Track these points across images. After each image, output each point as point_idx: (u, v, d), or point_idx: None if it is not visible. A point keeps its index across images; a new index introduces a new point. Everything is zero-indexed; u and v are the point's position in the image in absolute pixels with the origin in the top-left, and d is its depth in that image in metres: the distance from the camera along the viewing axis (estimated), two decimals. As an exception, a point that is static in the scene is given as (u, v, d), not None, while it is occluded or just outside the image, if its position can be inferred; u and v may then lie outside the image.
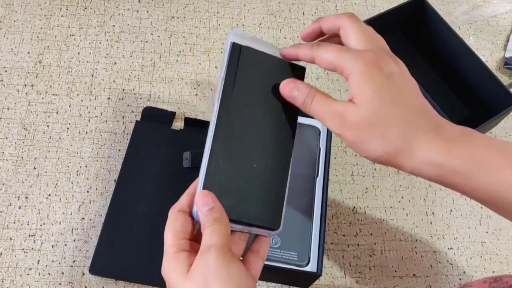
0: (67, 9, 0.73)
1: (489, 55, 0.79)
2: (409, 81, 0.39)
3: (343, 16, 0.41)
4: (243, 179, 0.39)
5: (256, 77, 0.40)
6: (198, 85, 0.69)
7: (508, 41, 0.80)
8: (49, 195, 0.59)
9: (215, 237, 0.37)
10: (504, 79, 0.76)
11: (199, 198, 0.38)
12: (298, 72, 0.42)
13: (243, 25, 0.75)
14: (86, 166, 0.62)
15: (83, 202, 0.59)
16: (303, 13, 0.78)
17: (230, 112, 0.38)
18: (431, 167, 0.36)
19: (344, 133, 0.38)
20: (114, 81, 0.68)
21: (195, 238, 0.41)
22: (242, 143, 0.39)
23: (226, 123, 0.38)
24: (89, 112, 0.65)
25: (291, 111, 0.41)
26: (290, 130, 0.41)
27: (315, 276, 0.54)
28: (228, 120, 0.38)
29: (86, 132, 0.64)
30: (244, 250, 0.42)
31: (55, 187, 0.60)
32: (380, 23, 0.70)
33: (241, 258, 0.41)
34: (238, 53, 0.39)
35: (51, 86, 0.66)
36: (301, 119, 0.62)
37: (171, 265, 0.38)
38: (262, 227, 0.40)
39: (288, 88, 0.40)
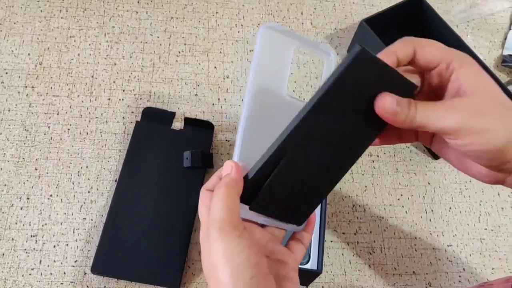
0: (67, 11, 0.73)
1: (487, 53, 0.79)
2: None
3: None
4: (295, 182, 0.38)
5: (361, 85, 0.37)
6: (198, 85, 0.69)
7: (505, 39, 0.80)
8: (51, 195, 0.60)
9: (218, 211, 0.36)
10: (502, 77, 0.76)
11: (224, 165, 0.38)
12: (407, 89, 0.38)
13: (241, 25, 0.76)
14: (87, 167, 0.62)
15: (84, 202, 0.60)
16: (302, 13, 0.79)
17: (319, 115, 0.35)
18: None
19: (464, 127, 0.35)
20: (114, 82, 0.68)
21: None
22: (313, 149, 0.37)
23: (308, 126, 0.35)
24: (89, 113, 0.65)
25: (373, 130, 0.38)
26: (359, 148, 0.39)
27: (315, 273, 0.55)
28: (310, 124, 0.35)
29: (87, 133, 0.64)
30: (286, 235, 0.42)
31: (56, 187, 0.60)
32: (378, 22, 0.71)
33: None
34: (356, 57, 0.35)
35: (51, 88, 0.67)
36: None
37: (232, 252, 0.36)
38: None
39: (389, 102, 0.37)
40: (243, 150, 0.38)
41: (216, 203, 0.36)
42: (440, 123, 0.36)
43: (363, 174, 0.66)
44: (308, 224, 0.44)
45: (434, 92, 0.40)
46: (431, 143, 0.42)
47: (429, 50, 0.38)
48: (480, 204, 0.65)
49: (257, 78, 0.38)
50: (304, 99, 0.44)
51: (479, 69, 0.37)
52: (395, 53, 0.38)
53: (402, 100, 0.37)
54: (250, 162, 0.37)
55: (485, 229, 0.64)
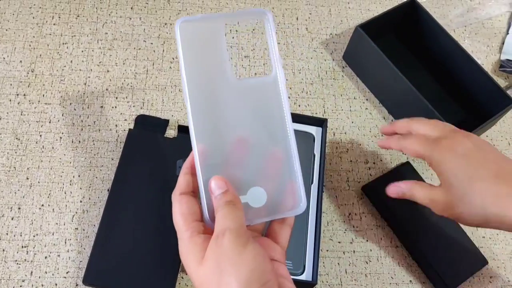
0: (59, 17, 0.73)
1: (484, 58, 0.78)
2: (485, 150, 0.48)
3: (411, 121, 0.53)
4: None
5: None
6: (192, 92, 0.69)
7: (503, 43, 0.80)
8: (42, 205, 0.59)
9: (229, 220, 0.36)
10: (500, 82, 0.76)
11: (213, 182, 0.38)
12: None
13: (236, 31, 0.75)
14: (79, 176, 0.61)
15: (76, 212, 0.59)
16: (297, 18, 0.78)
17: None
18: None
19: (442, 214, 0.48)
20: (107, 89, 0.67)
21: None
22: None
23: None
24: (82, 121, 0.65)
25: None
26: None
27: (310, 284, 0.54)
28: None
29: (79, 141, 0.63)
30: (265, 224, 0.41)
31: (48, 197, 0.59)
32: (375, 27, 0.70)
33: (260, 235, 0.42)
34: None
35: (43, 95, 0.66)
36: (294, 126, 0.62)
37: (187, 250, 0.37)
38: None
39: (396, 190, 0.52)
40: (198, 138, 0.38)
41: (227, 215, 0.36)
42: (427, 200, 0.49)
43: (359, 182, 0.65)
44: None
45: None
46: None
47: (412, 148, 0.50)
48: (478, 212, 0.64)
49: (191, 78, 0.38)
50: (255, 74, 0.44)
51: (447, 164, 0.47)
52: (388, 145, 0.55)
53: (405, 186, 0.51)
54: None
55: (483, 237, 0.63)
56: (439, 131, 0.50)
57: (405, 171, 0.65)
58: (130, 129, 0.63)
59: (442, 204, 0.47)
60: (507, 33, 0.81)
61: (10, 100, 0.65)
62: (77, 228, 0.58)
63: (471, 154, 0.47)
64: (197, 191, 0.39)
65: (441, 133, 0.50)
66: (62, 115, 0.65)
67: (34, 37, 0.71)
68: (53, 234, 0.58)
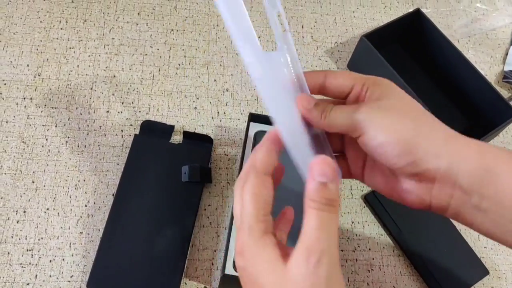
0: (66, 22, 0.73)
1: (488, 69, 0.79)
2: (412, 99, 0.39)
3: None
4: None
5: None
6: (197, 98, 0.69)
7: (507, 54, 0.80)
8: (47, 209, 0.59)
9: (325, 237, 0.31)
10: (503, 93, 0.76)
11: (318, 161, 0.32)
12: None
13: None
14: (84, 180, 0.62)
15: (81, 216, 0.59)
16: (302, 26, 0.78)
17: None
18: (441, 160, 0.34)
19: (374, 116, 0.35)
20: (113, 94, 0.68)
21: None
22: None
23: None
24: (88, 125, 0.65)
25: None
26: None
27: (313, 292, 0.54)
28: None
29: (85, 146, 0.64)
30: None
31: (53, 201, 0.60)
32: (380, 36, 0.71)
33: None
34: None
35: (50, 99, 0.66)
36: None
37: (257, 251, 0.32)
38: None
39: (306, 102, 0.37)
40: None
41: (327, 227, 0.32)
42: (349, 118, 0.36)
43: (362, 190, 0.65)
44: (284, 214, 0.42)
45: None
46: (363, 177, 0.42)
47: (340, 75, 0.39)
48: (480, 222, 0.65)
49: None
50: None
51: (395, 86, 0.38)
52: (305, 76, 0.39)
53: (320, 102, 0.38)
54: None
55: (485, 247, 0.63)
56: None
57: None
58: (135, 135, 0.63)
59: (383, 105, 0.36)
60: (511, 44, 0.81)
61: (16, 104, 0.65)
62: (81, 232, 0.59)
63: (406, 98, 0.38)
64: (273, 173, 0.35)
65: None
66: (68, 119, 0.65)
67: (41, 41, 0.71)
68: (58, 238, 0.58)
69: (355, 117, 0.36)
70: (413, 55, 0.78)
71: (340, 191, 0.65)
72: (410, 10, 0.75)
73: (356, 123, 0.36)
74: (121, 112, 0.67)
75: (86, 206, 0.60)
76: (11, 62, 0.69)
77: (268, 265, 0.32)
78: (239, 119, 0.68)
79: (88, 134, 0.65)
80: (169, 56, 0.72)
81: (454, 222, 0.63)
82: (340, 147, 0.42)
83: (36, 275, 0.56)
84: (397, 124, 0.35)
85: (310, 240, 0.31)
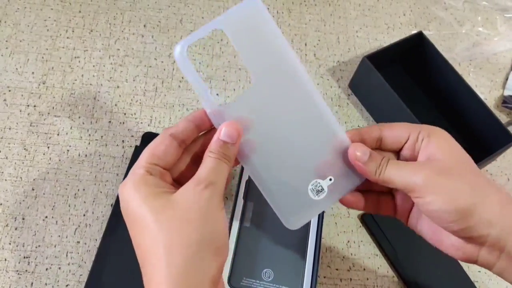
0: (73, 31, 0.74)
1: (488, 93, 0.80)
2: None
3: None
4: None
5: None
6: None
7: (507, 79, 0.81)
8: (46, 217, 0.60)
9: (215, 174, 0.36)
10: (502, 118, 0.77)
11: (227, 124, 0.37)
12: None
13: (246, 53, 0.76)
14: (83, 189, 0.62)
15: (79, 226, 0.60)
16: (306, 44, 0.79)
17: None
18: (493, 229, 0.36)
19: (432, 180, 0.36)
20: (116, 105, 0.69)
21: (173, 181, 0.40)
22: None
23: None
24: (89, 135, 0.66)
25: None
26: None
27: (306, 311, 0.55)
28: None
29: (86, 155, 0.64)
30: None
31: (52, 209, 0.60)
32: (381, 57, 0.71)
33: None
34: None
35: (53, 108, 0.67)
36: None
37: (134, 186, 0.36)
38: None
39: (361, 152, 0.39)
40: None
41: (219, 169, 0.36)
42: (407, 179, 0.37)
43: (359, 210, 0.66)
44: None
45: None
46: (407, 219, 0.43)
47: (396, 127, 0.41)
48: (474, 246, 0.65)
49: None
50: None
51: (449, 137, 0.40)
52: (361, 133, 0.41)
53: (374, 153, 0.39)
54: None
55: (479, 271, 0.63)
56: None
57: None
58: (136, 146, 0.64)
59: (440, 168, 0.37)
60: (511, 69, 0.82)
61: (20, 111, 0.66)
62: (79, 242, 0.59)
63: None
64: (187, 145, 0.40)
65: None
66: (71, 128, 0.66)
67: (47, 49, 0.72)
68: (55, 246, 0.58)
69: (413, 179, 0.37)
70: (414, 76, 0.78)
71: (337, 210, 0.65)
72: (413, 32, 0.76)
73: (414, 185, 0.37)
74: (123, 123, 0.67)
75: (84, 215, 0.61)
76: (16, 69, 0.69)
77: (150, 196, 0.35)
78: (239, 134, 0.69)
79: (89, 143, 0.65)
80: (173, 69, 0.73)
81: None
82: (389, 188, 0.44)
83: (32, 283, 0.56)
84: (455, 192, 0.36)
85: (201, 175, 0.36)
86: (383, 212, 0.45)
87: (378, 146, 0.42)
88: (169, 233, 0.34)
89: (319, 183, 0.42)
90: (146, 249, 0.36)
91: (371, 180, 0.40)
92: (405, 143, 0.40)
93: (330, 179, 0.42)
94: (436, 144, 0.38)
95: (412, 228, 0.43)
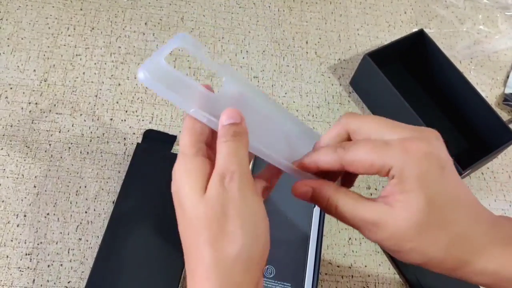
0: (74, 29, 0.74)
1: (489, 91, 0.80)
2: (455, 171, 0.34)
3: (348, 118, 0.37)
4: None
5: None
6: (200, 109, 0.70)
7: (508, 77, 0.81)
8: (48, 214, 0.60)
9: (236, 160, 0.34)
10: (503, 115, 0.77)
11: (226, 112, 0.35)
12: None
13: (247, 51, 0.76)
14: (85, 187, 0.62)
15: (80, 223, 0.60)
16: (307, 42, 0.79)
17: None
18: (486, 276, 0.33)
19: (383, 242, 0.34)
20: (117, 102, 0.69)
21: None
22: None
23: None
24: (91, 132, 0.66)
25: None
26: None
27: (308, 307, 0.55)
28: None
29: (87, 152, 0.64)
30: None
31: (54, 206, 0.60)
32: (383, 55, 0.71)
33: None
34: None
35: (55, 105, 0.67)
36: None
37: (189, 170, 0.34)
38: None
39: (302, 192, 0.37)
40: None
41: (234, 152, 0.34)
42: (360, 230, 0.36)
43: (360, 207, 0.66)
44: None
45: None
46: None
47: (360, 158, 0.34)
48: (476, 243, 0.65)
49: None
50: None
51: (422, 179, 0.32)
52: (317, 162, 0.38)
53: (320, 194, 0.37)
54: None
55: (480, 268, 0.64)
56: (399, 132, 0.34)
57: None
58: (138, 143, 0.64)
59: (399, 229, 0.32)
60: (512, 67, 0.82)
61: (22, 108, 0.66)
62: (80, 239, 0.59)
63: (449, 171, 0.33)
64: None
65: (402, 134, 0.34)
66: (72, 126, 0.66)
67: (48, 47, 0.72)
68: (57, 243, 0.58)
69: (373, 228, 0.34)
70: (415, 74, 0.79)
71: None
72: (414, 30, 0.76)
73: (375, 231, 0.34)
74: (125, 120, 0.67)
75: (86, 212, 0.61)
76: (18, 67, 0.69)
77: (190, 191, 0.34)
78: (241, 132, 0.69)
79: (91, 141, 0.65)
80: (174, 67, 0.73)
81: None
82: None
83: (34, 280, 0.56)
84: (437, 254, 0.33)
85: (221, 166, 0.34)
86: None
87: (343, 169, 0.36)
88: (210, 233, 0.33)
89: None
90: (188, 241, 0.35)
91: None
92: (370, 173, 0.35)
93: None
94: (405, 190, 0.32)
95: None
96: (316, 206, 0.58)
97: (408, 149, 0.32)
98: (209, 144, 0.37)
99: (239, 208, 0.33)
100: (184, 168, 0.35)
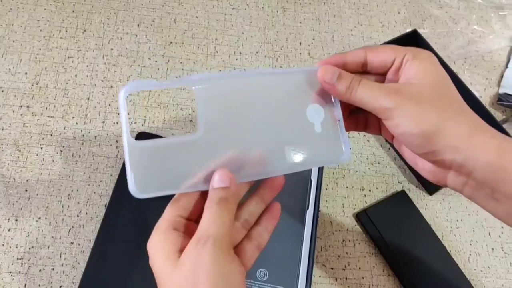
0: (66, 31, 0.74)
1: (483, 91, 0.79)
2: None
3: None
4: None
5: None
6: (193, 111, 0.70)
7: (502, 77, 0.81)
8: (39, 218, 0.59)
9: (215, 225, 0.35)
10: (497, 115, 0.76)
11: (217, 172, 0.36)
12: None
13: (240, 53, 0.76)
14: (77, 190, 0.62)
15: (72, 227, 0.59)
16: (300, 43, 0.79)
17: None
18: (457, 154, 0.35)
19: (399, 107, 0.36)
20: (109, 105, 0.68)
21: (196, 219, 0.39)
22: None
23: None
24: (83, 135, 0.65)
25: None
26: None
27: (301, 310, 0.54)
28: None
29: (79, 156, 0.64)
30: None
31: (45, 210, 0.60)
32: (376, 56, 0.71)
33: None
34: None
35: (46, 108, 0.67)
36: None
37: (157, 243, 0.36)
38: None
39: (330, 73, 0.39)
40: None
41: (216, 218, 0.35)
42: (377, 101, 0.37)
43: (354, 209, 0.65)
44: (270, 210, 0.43)
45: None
46: (392, 139, 0.43)
47: (381, 49, 0.40)
48: (470, 244, 0.65)
49: None
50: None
51: (433, 62, 0.38)
52: (344, 57, 0.41)
53: (344, 73, 0.39)
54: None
55: (475, 269, 0.63)
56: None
57: (400, 200, 0.65)
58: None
59: (411, 94, 0.36)
60: (507, 67, 0.82)
61: (13, 111, 0.66)
62: (72, 243, 0.59)
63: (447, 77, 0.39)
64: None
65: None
66: (64, 129, 0.65)
67: (40, 49, 0.71)
68: (48, 247, 0.58)
69: (382, 102, 0.37)
70: (409, 75, 0.78)
71: (332, 209, 0.65)
72: (408, 30, 0.76)
73: (382, 108, 0.37)
74: (117, 123, 0.67)
75: (78, 216, 0.60)
76: (9, 69, 0.69)
77: (162, 263, 0.35)
78: (234, 134, 0.69)
79: (83, 144, 0.65)
80: (167, 69, 0.73)
81: (445, 244, 0.63)
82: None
83: (25, 284, 0.56)
84: (422, 117, 0.36)
85: (200, 230, 0.35)
86: (371, 132, 0.45)
87: (364, 70, 0.41)
88: None
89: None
90: None
91: (342, 100, 0.40)
92: (391, 66, 0.40)
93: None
94: (416, 67, 0.38)
95: (397, 148, 0.43)
96: (310, 208, 0.58)
97: (421, 50, 0.39)
98: (194, 218, 0.39)
99: (209, 273, 0.33)
100: (155, 241, 0.37)
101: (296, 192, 0.59)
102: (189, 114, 0.69)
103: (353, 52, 0.41)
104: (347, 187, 0.67)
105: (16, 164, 0.62)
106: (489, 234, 0.66)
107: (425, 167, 0.39)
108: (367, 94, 0.38)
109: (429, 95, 0.36)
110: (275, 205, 0.43)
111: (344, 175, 0.68)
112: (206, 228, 0.35)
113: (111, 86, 0.70)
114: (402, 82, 0.38)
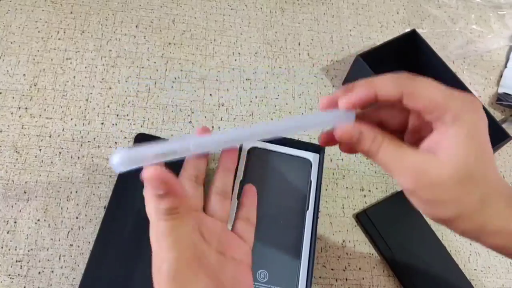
0: (64, 33, 0.73)
1: (482, 90, 0.79)
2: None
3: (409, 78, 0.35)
4: None
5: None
6: (192, 112, 0.69)
7: (501, 76, 0.81)
8: (38, 220, 0.59)
9: (165, 249, 0.35)
10: (497, 115, 0.76)
11: (145, 172, 0.35)
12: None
13: (239, 53, 0.76)
14: (76, 192, 0.61)
15: (72, 229, 0.59)
16: (299, 43, 0.79)
17: None
18: (502, 236, 0.33)
19: (418, 191, 0.33)
20: (108, 106, 0.68)
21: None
22: None
23: None
24: (82, 136, 0.65)
25: None
26: None
27: (302, 311, 0.54)
28: None
29: (78, 157, 0.64)
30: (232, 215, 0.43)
31: (44, 212, 0.60)
32: (375, 55, 0.71)
33: (229, 228, 0.41)
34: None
35: (45, 110, 0.66)
36: (291, 151, 0.62)
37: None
38: None
39: (348, 130, 0.35)
40: None
41: (167, 237, 0.35)
42: (397, 178, 0.34)
43: (354, 209, 0.65)
44: (245, 192, 0.44)
45: (416, 127, 0.37)
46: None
47: (425, 94, 0.34)
48: (470, 244, 0.65)
49: None
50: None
51: (474, 131, 0.33)
52: (375, 87, 0.35)
53: (368, 131, 0.35)
54: None
55: (475, 269, 0.63)
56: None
57: (400, 201, 0.65)
58: (129, 147, 0.63)
59: (434, 179, 0.32)
60: (506, 67, 0.82)
61: (11, 113, 0.65)
62: (71, 245, 0.58)
63: (484, 132, 0.34)
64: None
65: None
66: (63, 130, 0.65)
67: (38, 51, 0.71)
68: (47, 249, 0.58)
69: (402, 181, 0.33)
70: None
71: (332, 210, 0.65)
72: (406, 30, 0.75)
73: (400, 183, 0.34)
74: (116, 124, 0.67)
75: (77, 218, 0.60)
76: (7, 71, 0.69)
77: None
78: (233, 135, 0.68)
79: (81, 145, 0.65)
80: (166, 70, 0.73)
81: (445, 244, 0.63)
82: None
83: (24, 287, 0.55)
84: (439, 207, 0.33)
85: (154, 251, 0.36)
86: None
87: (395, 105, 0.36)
88: None
89: None
90: None
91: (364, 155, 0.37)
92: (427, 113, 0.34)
93: None
94: (451, 137, 0.32)
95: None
96: (310, 209, 0.58)
97: (472, 102, 0.33)
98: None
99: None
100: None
101: (296, 193, 0.59)
102: (188, 116, 0.69)
103: (385, 87, 0.35)
104: (347, 188, 0.67)
105: (14, 166, 0.62)
106: (489, 234, 0.66)
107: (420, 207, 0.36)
108: (387, 163, 0.34)
109: (453, 183, 0.32)
110: (248, 186, 0.45)
111: (344, 176, 0.68)
112: (158, 251, 0.36)
113: (110, 88, 0.70)
114: (428, 149, 0.34)
